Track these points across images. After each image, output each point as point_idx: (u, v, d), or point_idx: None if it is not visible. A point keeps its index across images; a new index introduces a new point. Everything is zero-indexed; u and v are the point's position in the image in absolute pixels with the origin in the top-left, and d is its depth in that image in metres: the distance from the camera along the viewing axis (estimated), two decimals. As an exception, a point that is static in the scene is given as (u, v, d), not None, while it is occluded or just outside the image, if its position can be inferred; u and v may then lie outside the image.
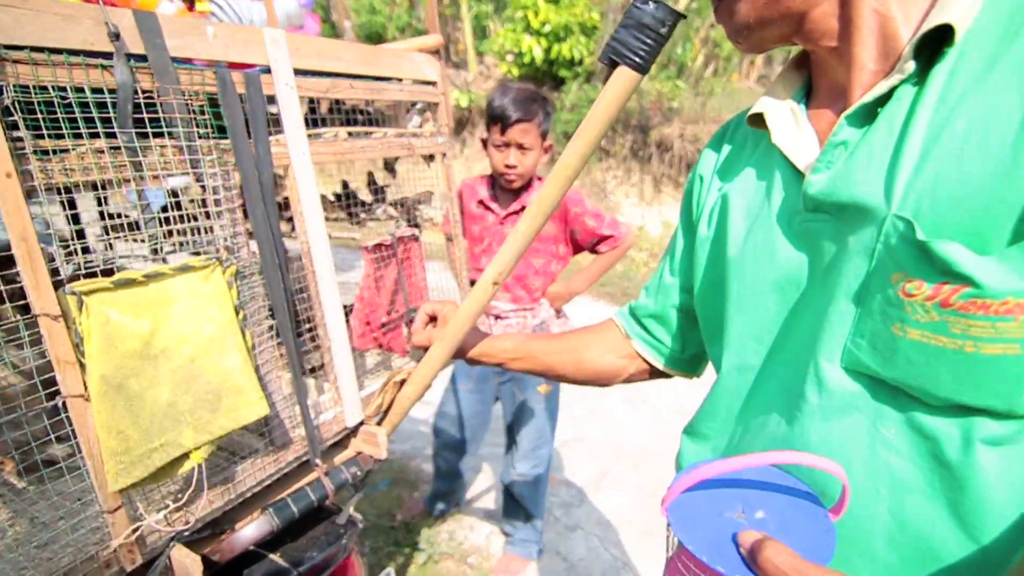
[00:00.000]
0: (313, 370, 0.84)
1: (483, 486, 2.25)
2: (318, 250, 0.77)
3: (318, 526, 0.82)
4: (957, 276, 0.37)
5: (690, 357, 0.75)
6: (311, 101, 0.93)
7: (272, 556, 0.75)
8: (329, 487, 0.76)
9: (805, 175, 0.47)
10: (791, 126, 0.52)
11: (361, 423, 0.89)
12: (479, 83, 7.33)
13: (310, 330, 0.79)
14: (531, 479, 1.77)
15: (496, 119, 1.49)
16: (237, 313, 0.67)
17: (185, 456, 0.61)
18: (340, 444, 0.92)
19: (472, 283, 1.74)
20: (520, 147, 1.49)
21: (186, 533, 0.66)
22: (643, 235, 5.93)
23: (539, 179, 1.63)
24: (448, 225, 1.72)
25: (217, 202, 0.65)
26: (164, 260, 0.67)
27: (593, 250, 1.65)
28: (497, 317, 1.65)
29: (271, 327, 0.73)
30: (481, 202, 1.63)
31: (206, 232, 0.65)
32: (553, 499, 2.15)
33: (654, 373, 0.79)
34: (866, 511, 0.44)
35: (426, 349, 0.84)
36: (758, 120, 0.54)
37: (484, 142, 1.58)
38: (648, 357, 0.76)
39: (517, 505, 1.80)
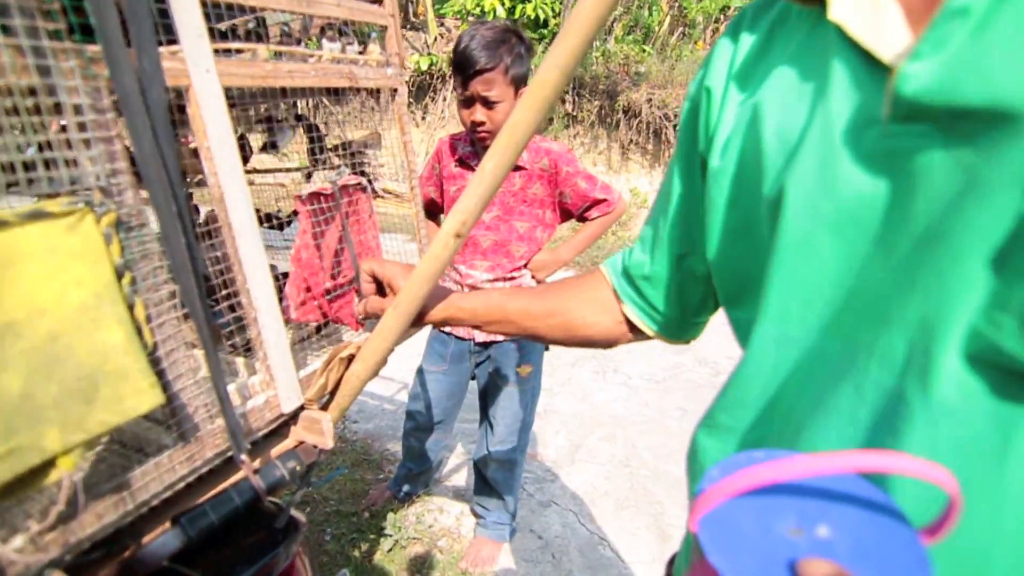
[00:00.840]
0: (235, 348, 0.70)
1: (452, 464, 2.14)
2: (234, 196, 0.62)
3: (252, 532, 0.68)
4: None
5: (689, 323, 0.63)
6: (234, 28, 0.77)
7: (188, 572, 0.61)
8: (259, 487, 0.63)
9: (893, 66, 0.33)
10: None
11: (301, 408, 0.75)
12: (440, 46, 7.01)
13: (228, 297, 0.64)
14: (506, 463, 1.66)
15: (456, 70, 1.32)
16: (120, 276, 0.52)
17: (50, 464, 0.46)
18: (279, 433, 0.78)
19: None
20: (485, 101, 1.31)
21: (67, 557, 0.51)
22: (611, 203, 5.84)
23: None
24: (425, 185, 1.56)
25: (83, 126, 0.49)
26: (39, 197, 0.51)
27: (582, 217, 1.51)
28: (472, 288, 1.50)
29: (173, 293, 0.57)
30: (461, 160, 1.46)
31: (68, 166, 0.49)
32: (526, 475, 2.06)
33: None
34: (988, 562, 0.32)
35: (378, 318, 0.71)
36: None
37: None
38: (640, 324, 0.64)
39: (490, 488, 1.70)
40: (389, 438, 2.27)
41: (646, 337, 0.67)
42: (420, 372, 1.70)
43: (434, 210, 1.64)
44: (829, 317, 0.39)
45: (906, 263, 0.34)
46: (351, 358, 0.76)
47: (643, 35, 6.65)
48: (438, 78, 6.86)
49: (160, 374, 0.57)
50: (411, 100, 6.96)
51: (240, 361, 0.78)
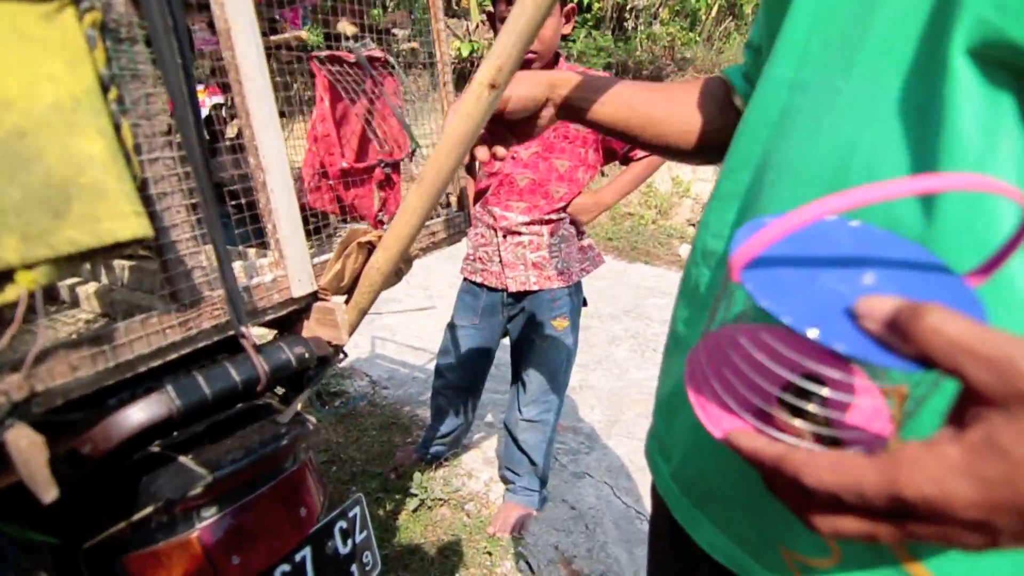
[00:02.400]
0: (251, 242, 0.63)
1: (483, 432, 2.06)
2: (242, 31, 0.54)
3: (252, 425, 0.61)
4: None
5: None
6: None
7: (180, 458, 0.55)
8: (260, 366, 0.55)
9: None
10: None
11: (315, 298, 0.67)
12: (482, 32, 6.96)
13: (232, 150, 0.57)
14: (538, 425, 1.57)
15: None
16: (105, 88, 0.45)
17: (7, 277, 0.39)
18: (291, 327, 0.71)
19: (479, 195, 1.50)
20: None
21: (35, 408, 0.45)
22: (652, 192, 5.66)
23: (563, 57, 1.37)
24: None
25: (61, -100, 0.42)
26: None
27: (627, 159, 1.41)
28: (507, 233, 1.41)
29: (169, 129, 0.50)
30: None
31: (43, -56, 0.42)
32: (559, 446, 1.96)
33: None
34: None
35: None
36: None
37: (491, 18, 1.34)
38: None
39: (520, 452, 1.60)
40: (419, 404, 2.21)
41: None
42: (451, 327, 1.63)
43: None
44: (844, 55, 0.38)
45: None
46: (371, 246, 0.68)
47: (689, 23, 6.43)
48: (479, 65, 6.82)
49: (151, 217, 0.50)
50: (451, 88, 6.93)
51: (252, 252, 0.71)
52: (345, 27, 0.63)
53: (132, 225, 0.44)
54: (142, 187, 0.49)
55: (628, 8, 6.22)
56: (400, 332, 2.89)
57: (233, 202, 0.68)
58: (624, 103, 0.61)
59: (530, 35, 0.53)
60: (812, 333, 0.24)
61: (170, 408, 0.49)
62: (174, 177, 0.51)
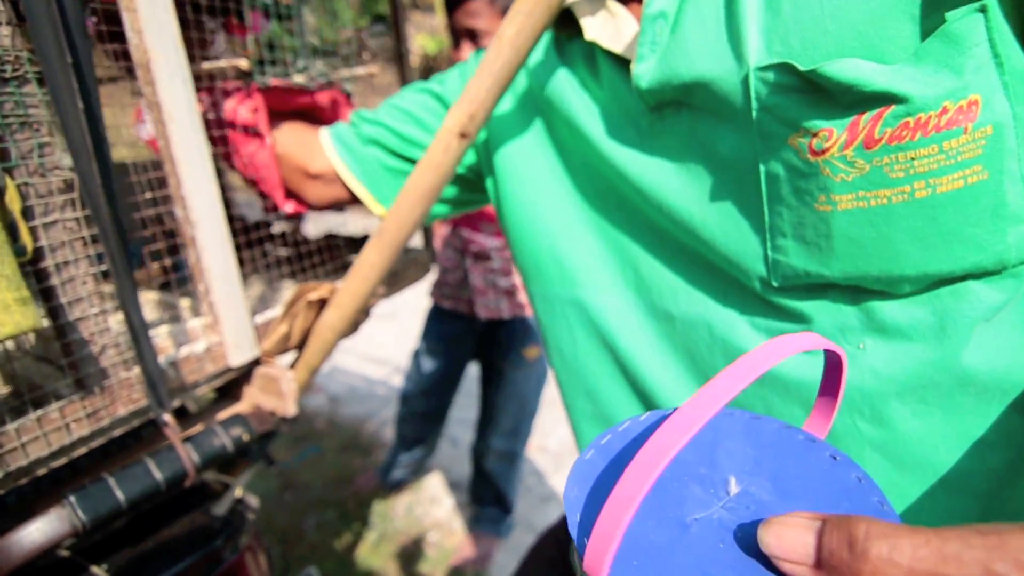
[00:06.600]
0: (180, 285, 0.54)
1: (448, 454, 1.99)
2: (164, 60, 0.46)
3: (181, 518, 0.53)
4: (872, 98, 0.27)
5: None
6: None
7: (93, 569, 0.46)
8: (187, 460, 0.47)
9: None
10: (606, 17, 0.42)
11: (256, 363, 0.59)
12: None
13: (155, 202, 0.48)
14: (506, 455, 1.51)
15: (445, 4, 1.15)
16: (-19, 142, 0.36)
17: None
18: (231, 395, 0.62)
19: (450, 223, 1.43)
20: (471, 35, 1.10)
21: None
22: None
23: None
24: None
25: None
26: None
27: None
28: (477, 256, 1.33)
29: (69, 185, 0.42)
30: None
31: None
32: (526, 467, 1.91)
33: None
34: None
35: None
36: (568, 22, 0.46)
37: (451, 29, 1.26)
38: (343, 169, 0.58)
39: (487, 480, 1.54)
40: (380, 422, 2.12)
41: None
42: (416, 354, 1.55)
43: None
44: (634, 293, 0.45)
45: (695, 227, 0.38)
46: (322, 303, 0.60)
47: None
48: (445, 63, 6.68)
49: (47, 293, 0.41)
50: (417, 83, 6.76)
51: (185, 304, 0.63)
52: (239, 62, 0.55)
53: (16, 317, 0.36)
54: (36, 258, 0.40)
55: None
56: (360, 342, 2.78)
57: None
58: None
59: (507, 80, 0.46)
60: None
61: (74, 524, 0.41)
62: (78, 242, 0.43)
